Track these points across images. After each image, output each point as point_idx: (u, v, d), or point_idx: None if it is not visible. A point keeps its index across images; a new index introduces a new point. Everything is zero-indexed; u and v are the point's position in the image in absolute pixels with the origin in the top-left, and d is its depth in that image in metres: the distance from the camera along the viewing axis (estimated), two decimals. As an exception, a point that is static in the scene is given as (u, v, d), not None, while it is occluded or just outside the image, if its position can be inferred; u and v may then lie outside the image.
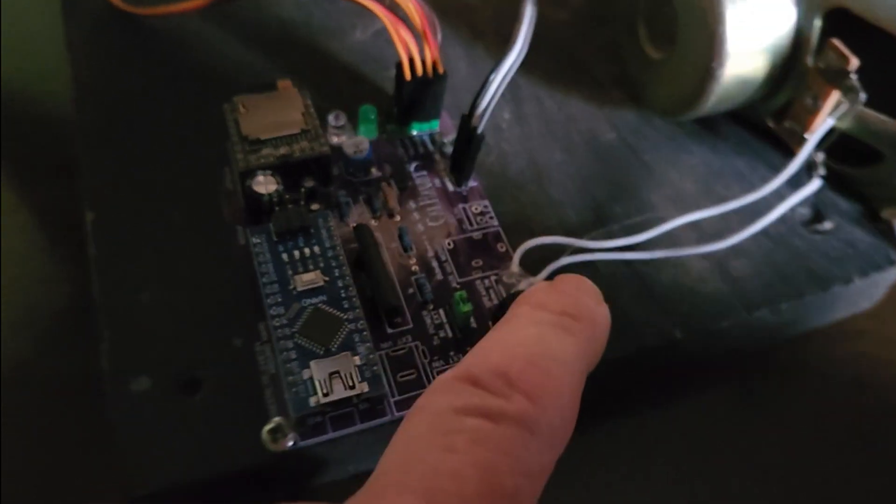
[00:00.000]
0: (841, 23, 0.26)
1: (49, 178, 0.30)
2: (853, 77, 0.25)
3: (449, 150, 0.28)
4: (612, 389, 0.26)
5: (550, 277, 0.25)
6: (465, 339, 0.23)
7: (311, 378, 0.20)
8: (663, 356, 0.26)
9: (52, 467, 0.23)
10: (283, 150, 0.24)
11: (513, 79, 0.24)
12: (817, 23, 0.26)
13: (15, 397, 0.24)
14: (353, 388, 0.20)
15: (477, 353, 0.17)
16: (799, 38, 0.27)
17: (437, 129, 0.29)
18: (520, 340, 0.17)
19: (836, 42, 0.25)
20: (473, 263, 0.25)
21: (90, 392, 0.22)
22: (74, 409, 0.23)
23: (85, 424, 0.22)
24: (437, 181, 0.27)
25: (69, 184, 0.27)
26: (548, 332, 0.18)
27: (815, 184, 0.27)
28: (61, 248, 0.28)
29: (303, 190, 0.23)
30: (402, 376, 0.22)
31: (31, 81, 0.33)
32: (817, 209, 0.29)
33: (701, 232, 0.27)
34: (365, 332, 0.21)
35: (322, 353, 0.20)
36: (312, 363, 0.20)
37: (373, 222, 0.26)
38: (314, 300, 0.21)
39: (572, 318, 0.18)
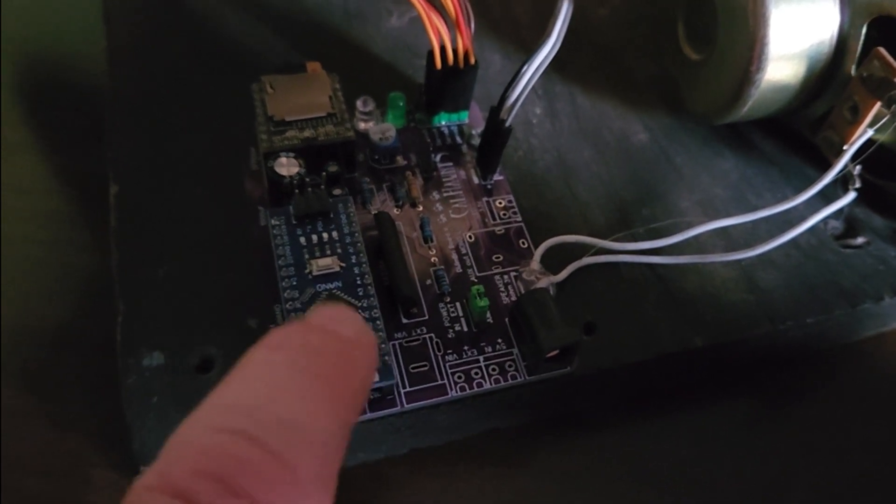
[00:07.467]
0: (887, 31, 0.25)
1: (80, 144, 0.30)
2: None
3: (477, 142, 0.27)
4: (629, 395, 0.26)
5: (572, 277, 0.25)
6: (480, 333, 0.23)
7: (321, 364, 0.20)
8: (682, 364, 0.25)
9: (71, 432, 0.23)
10: (307, 133, 0.24)
11: (547, 74, 0.24)
12: (862, 30, 0.25)
13: (48, 361, 0.24)
14: (362, 376, 0.20)
15: (180, 438, 0.12)
16: (842, 46, 0.26)
17: (466, 121, 0.28)
18: (242, 403, 0.13)
19: (883, 51, 0.24)
20: (494, 258, 0.25)
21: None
22: (107, 372, 0.23)
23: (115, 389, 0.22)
24: (462, 173, 0.27)
25: (98, 151, 0.27)
26: (285, 381, 0.13)
27: (849, 196, 0.26)
28: (91, 214, 0.28)
29: (324, 174, 0.23)
30: (414, 367, 0.22)
31: (66, 51, 0.33)
32: (850, 224, 0.28)
33: (729, 239, 0.27)
34: (378, 322, 0.21)
35: (334, 339, 0.20)
36: (323, 349, 0.20)
37: (395, 211, 0.25)
38: (329, 286, 0.21)
39: (315, 353, 0.14)
